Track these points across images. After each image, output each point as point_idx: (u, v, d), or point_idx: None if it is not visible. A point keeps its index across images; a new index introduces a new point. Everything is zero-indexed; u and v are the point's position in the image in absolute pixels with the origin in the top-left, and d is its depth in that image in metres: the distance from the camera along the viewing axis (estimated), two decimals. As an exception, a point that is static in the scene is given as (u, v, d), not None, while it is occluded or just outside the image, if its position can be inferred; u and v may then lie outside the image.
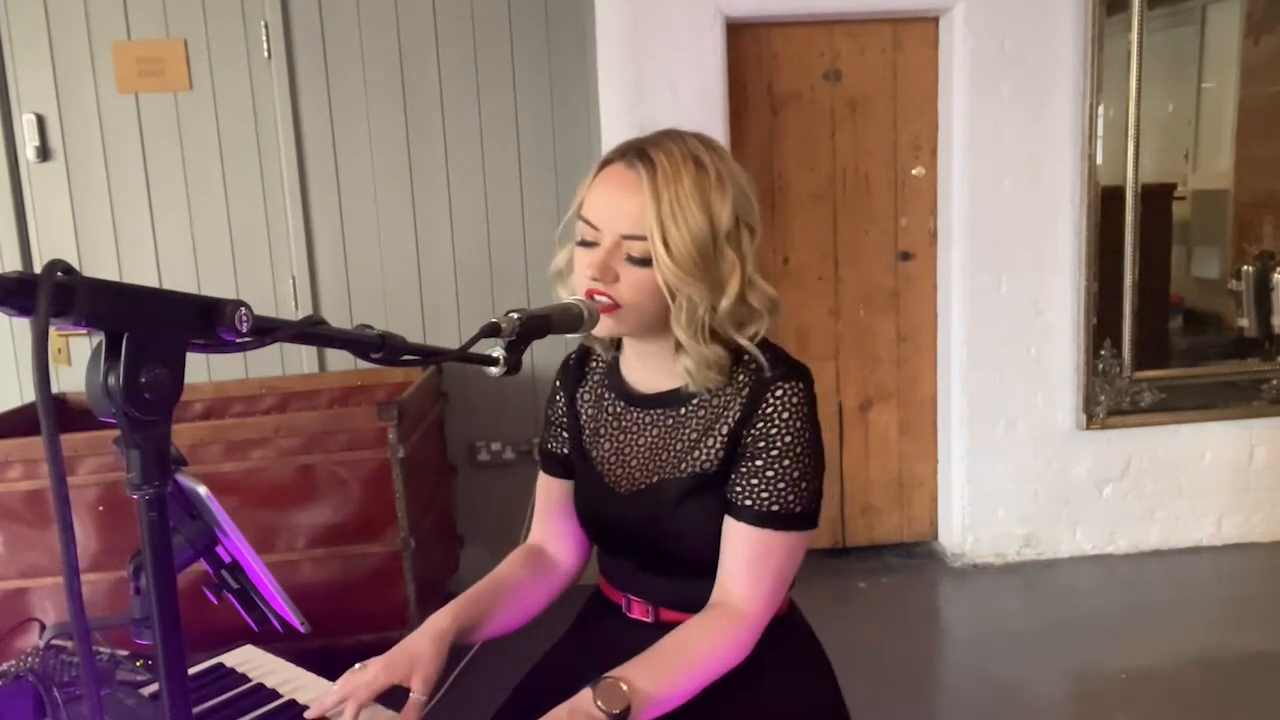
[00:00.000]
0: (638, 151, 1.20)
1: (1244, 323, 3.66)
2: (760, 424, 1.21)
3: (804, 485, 1.22)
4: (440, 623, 1.25)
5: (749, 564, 1.22)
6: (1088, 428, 3.56)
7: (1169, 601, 3.37)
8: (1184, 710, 2.67)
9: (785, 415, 1.21)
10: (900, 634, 3.20)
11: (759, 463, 1.21)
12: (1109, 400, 3.55)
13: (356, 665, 1.20)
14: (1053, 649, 3.01)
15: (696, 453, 1.25)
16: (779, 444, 1.21)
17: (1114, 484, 3.66)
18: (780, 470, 1.21)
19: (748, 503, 1.21)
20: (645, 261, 1.17)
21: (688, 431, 1.27)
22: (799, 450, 1.21)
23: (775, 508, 1.20)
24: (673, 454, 1.28)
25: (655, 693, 1.13)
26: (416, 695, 1.17)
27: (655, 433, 1.30)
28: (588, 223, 1.21)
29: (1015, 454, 3.61)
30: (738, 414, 1.23)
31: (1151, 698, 2.73)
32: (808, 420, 1.23)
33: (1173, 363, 3.65)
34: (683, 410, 1.28)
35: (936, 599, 3.51)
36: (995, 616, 3.32)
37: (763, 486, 1.21)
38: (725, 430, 1.24)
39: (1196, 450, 3.66)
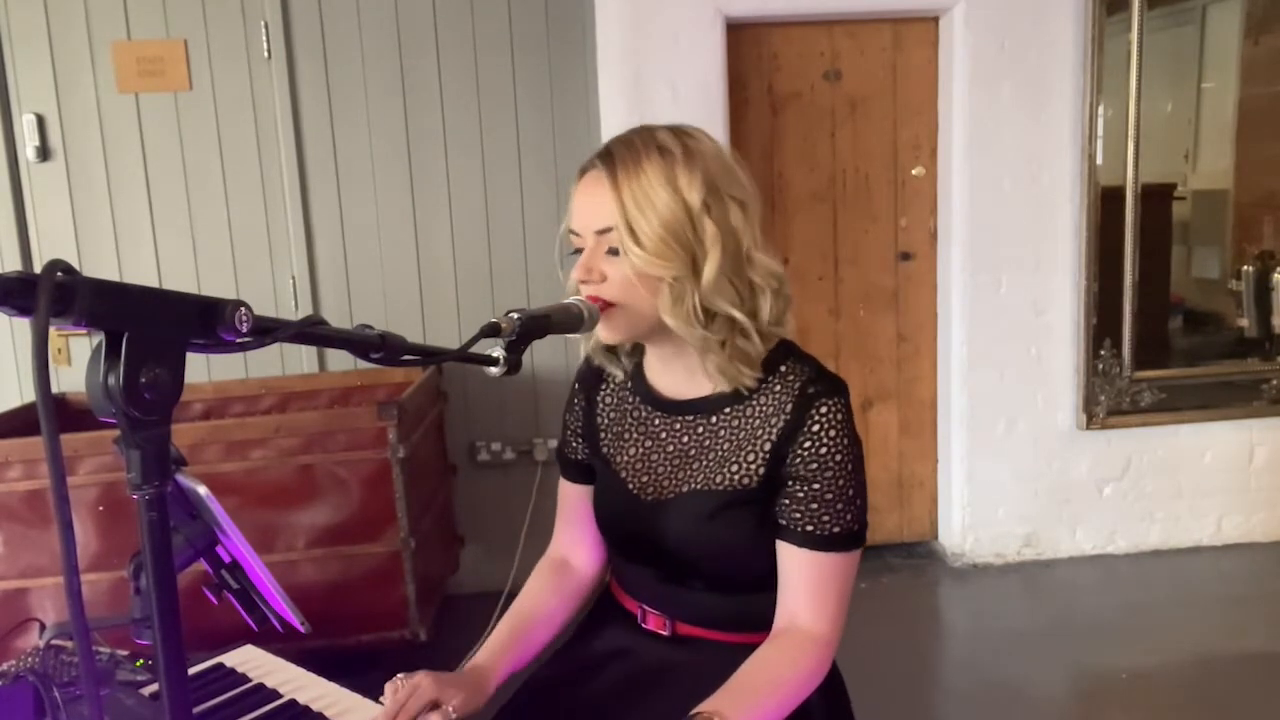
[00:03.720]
0: (602, 151, 1.20)
1: (1244, 323, 3.66)
2: (809, 443, 1.18)
3: (858, 503, 1.21)
4: (494, 664, 1.27)
5: (815, 588, 1.20)
6: (1088, 428, 3.56)
7: (1169, 601, 3.37)
8: (1184, 710, 2.67)
9: (833, 433, 1.18)
10: (900, 634, 3.20)
11: (816, 485, 1.18)
12: (1109, 400, 3.55)
13: (399, 676, 1.18)
14: (1053, 649, 3.01)
15: (735, 466, 1.22)
16: (832, 464, 1.18)
17: (1114, 484, 3.66)
18: (837, 490, 1.19)
19: (809, 527, 1.19)
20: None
21: (721, 442, 1.24)
22: (850, 468, 1.20)
23: (836, 529, 1.19)
24: (705, 464, 1.24)
25: None
26: (451, 713, 1.16)
27: (685, 440, 1.27)
28: (573, 233, 1.22)
29: (1015, 454, 3.61)
30: (780, 429, 1.20)
31: (1151, 698, 2.73)
32: (853, 436, 1.21)
33: (1173, 363, 3.65)
34: (714, 419, 1.25)
35: (937, 599, 3.51)
36: (995, 616, 3.32)
37: (822, 510, 1.19)
38: (767, 446, 1.20)
39: (1196, 450, 3.66)
